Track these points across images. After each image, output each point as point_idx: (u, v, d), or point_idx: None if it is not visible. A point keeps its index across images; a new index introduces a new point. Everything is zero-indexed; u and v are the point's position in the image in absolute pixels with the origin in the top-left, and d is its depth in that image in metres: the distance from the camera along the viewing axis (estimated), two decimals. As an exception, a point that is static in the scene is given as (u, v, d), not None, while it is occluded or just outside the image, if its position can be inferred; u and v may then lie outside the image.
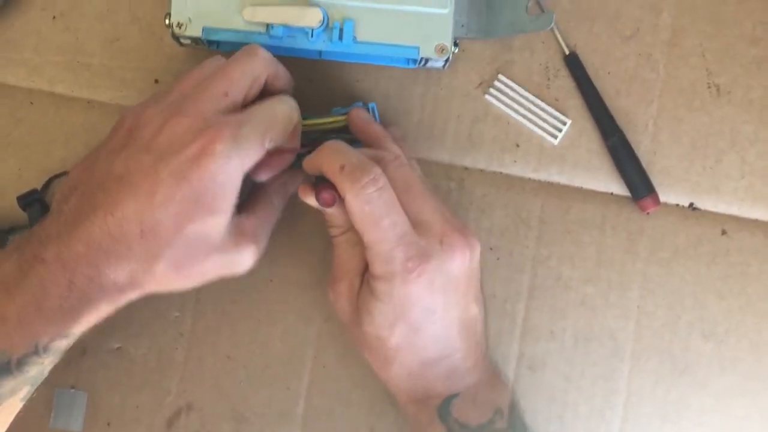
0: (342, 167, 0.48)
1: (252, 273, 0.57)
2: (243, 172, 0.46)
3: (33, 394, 0.48)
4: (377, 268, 0.49)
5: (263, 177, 0.51)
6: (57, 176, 0.58)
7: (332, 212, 0.50)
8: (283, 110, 0.49)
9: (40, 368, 0.46)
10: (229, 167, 0.45)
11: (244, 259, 0.48)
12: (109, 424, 0.57)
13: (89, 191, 0.46)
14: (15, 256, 0.46)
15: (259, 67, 0.49)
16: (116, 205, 0.44)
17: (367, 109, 0.54)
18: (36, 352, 0.45)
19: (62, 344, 0.46)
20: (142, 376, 0.58)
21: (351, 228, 0.50)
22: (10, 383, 0.45)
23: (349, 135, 0.54)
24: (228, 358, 0.58)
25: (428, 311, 0.50)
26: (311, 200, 0.50)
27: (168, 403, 0.58)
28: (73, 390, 0.57)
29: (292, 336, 0.58)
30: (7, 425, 0.48)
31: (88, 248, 0.44)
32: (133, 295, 0.47)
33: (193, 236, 0.45)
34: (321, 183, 0.49)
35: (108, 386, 0.57)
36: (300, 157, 0.51)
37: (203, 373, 0.58)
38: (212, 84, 0.47)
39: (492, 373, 0.54)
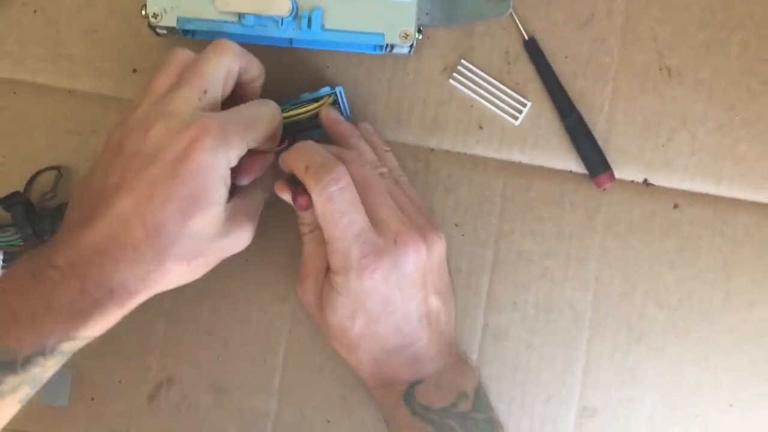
0: (307, 167, 0.51)
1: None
2: (230, 165, 0.48)
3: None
4: (336, 263, 0.52)
5: (245, 180, 0.53)
6: (40, 172, 0.60)
7: (303, 212, 0.54)
8: (266, 112, 0.51)
9: (42, 370, 0.47)
10: (217, 161, 0.47)
11: (244, 238, 0.52)
12: (93, 399, 0.60)
13: (92, 203, 0.48)
14: (28, 263, 0.47)
15: (230, 60, 0.50)
16: (118, 211, 0.46)
17: (335, 94, 0.57)
18: (42, 352, 0.46)
19: (68, 347, 0.47)
20: (124, 353, 0.60)
21: (318, 227, 0.53)
22: (12, 381, 0.46)
23: (313, 122, 0.57)
24: (207, 334, 0.61)
25: (386, 302, 0.53)
26: (287, 197, 0.53)
27: (150, 377, 0.60)
28: (58, 366, 0.59)
29: (267, 312, 0.61)
30: (3, 421, 0.49)
31: (97, 254, 0.46)
32: (143, 297, 0.48)
33: (195, 229, 0.47)
34: (296, 185, 0.52)
35: (91, 363, 0.60)
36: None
37: (183, 349, 0.60)
38: (190, 83, 0.49)
39: (457, 359, 0.58)
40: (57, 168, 0.60)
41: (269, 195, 0.55)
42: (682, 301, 0.62)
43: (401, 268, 0.52)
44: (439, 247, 0.54)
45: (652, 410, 0.61)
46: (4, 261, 0.57)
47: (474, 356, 0.61)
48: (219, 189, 0.48)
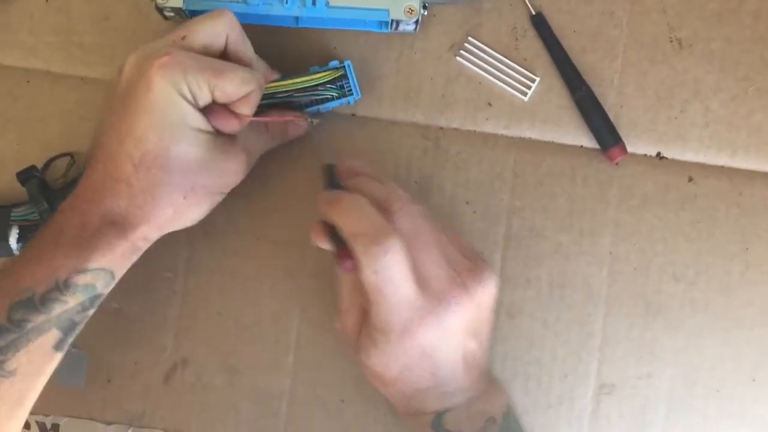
0: (355, 235, 0.49)
1: (239, 232, 0.61)
2: (191, 96, 0.49)
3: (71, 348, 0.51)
4: (376, 322, 0.50)
5: (222, 128, 0.53)
6: (57, 157, 0.61)
7: None
8: (240, 71, 0.51)
9: (63, 307, 0.49)
10: (175, 85, 0.48)
11: (233, 169, 0.52)
12: (109, 381, 0.60)
13: (92, 149, 0.52)
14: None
15: (221, 25, 0.52)
16: (109, 150, 0.50)
17: (343, 68, 0.57)
18: (57, 287, 0.49)
19: (82, 280, 0.49)
20: (139, 334, 0.61)
21: None
22: (36, 319, 0.48)
23: (320, 94, 0.57)
24: (219, 314, 0.61)
25: (424, 355, 0.51)
26: (322, 245, 0.52)
27: (164, 358, 0.61)
28: (74, 349, 0.60)
29: (279, 292, 0.61)
30: (45, 376, 0.51)
31: (95, 192, 0.50)
32: (149, 233, 0.51)
33: (177, 155, 0.49)
34: (340, 243, 0.50)
35: (107, 345, 0.60)
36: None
37: (197, 329, 0.61)
38: (173, 31, 0.51)
39: (488, 384, 0.55)
40: (70, 154, 0.61)
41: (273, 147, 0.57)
42: (700, 274, 0.61)
43: (444, 324, 0.50)
44: (488, 293, 0.52)
45: (671, 386, 0.60)
46: (19, 236, 0.58)
47: (488, 333, 0.60)
48: (187, 113, 0.49)
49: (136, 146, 0.49)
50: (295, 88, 0.57)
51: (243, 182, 0.59)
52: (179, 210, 0.51)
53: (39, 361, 0.50)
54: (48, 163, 0.61)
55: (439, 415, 0.53)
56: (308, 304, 0.61)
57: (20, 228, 0.59)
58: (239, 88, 0.51)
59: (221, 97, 0.51)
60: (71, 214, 0.50)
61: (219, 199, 0.54)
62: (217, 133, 0.52)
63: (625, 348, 0.60)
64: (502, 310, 0.61)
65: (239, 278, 0.61)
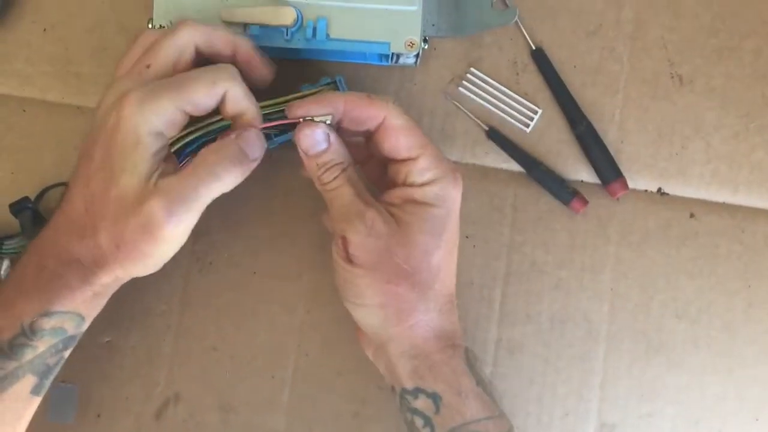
0: (370, 95, 0.51)
1: (236, 266, 0.60)
2: (153, 131, 0.47)
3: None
4: (427, 174, 0.50)
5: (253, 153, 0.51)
6: (51, 187, 0.60)
7: (335, 149, 0.50)
8: (204, 74, 0.48)
9: (35, 352, 0.48)
10: (137, 126, 0.46)
11: (156, 219, 0.46)
12: (99, 416, 0.59)
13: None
14: None
15: (184, 37, 0.50)
16: (72, 193, 0.49)
17: (334, 82, 0.56)
18: (23, 333, 0.47)
19: (48, 324, 0.48)
20: (131, 369, 0.59)
21: (351, 164, 0.51)
22: (7, 365, 0.47)
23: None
24: (214, 350, 0.60)
25: (456, 232, 0.51)
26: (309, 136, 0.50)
27: (156, 394, 0.59)
28: (63, 383, 0.58)
29: (275, 326, 0.60)
30: (25, 420, 0.50)
31: (55, 232, 0.49)
32: (104, 276, 0.48)
33: (117, 202, 0.47)
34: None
35: (98, 379, 0.59)
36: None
37: (190, 365, 0.59)
38: (138, 60, 0.50)
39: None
40: (65, 184, 0.60)
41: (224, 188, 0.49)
42: (702, 311, 0.60)
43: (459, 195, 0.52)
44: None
45: (673, 425, 0.59)
46: (11, 269, 0.57)
47: (488, 370, 0.59)
48: (135, 156, 0.46)
49: (88, 186, 0.48)
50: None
51: (241, 216, 0.59)
52: (130, 256, 0.48)
53: (17, 407, 0.49)
54: (42, 194, 0.60)
55: (467, 350, 0.52)
56: (305, 339, 0.60)
57: (11, 261, 0.58)
58: (210, 91, 0.48)
59: (189, 108, 0.48)
60: (31, 253, 0.49)
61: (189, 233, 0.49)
62: (158, 177, 0.48)
63: (627, 386, 0.59)
64: (501, 346, 0.60)
65: (235, 313, 0.60)
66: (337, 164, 0.50)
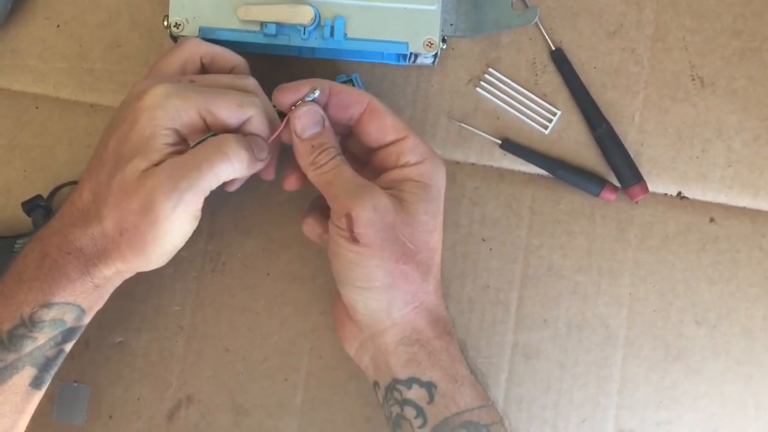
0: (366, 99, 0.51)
1: (249, 267, 0.59)
2: (171, 125, 0.47)
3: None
4: (416, 154, 0.50)
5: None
6: (63, 185, 0.60)
7: (329, 132, 0.50)
8: (234, 96, 0.49)
9: (34, 344, 0.47)
10: (156, 118, 0.47)
11: (155, 196, 0.45)
12: (110, 417, 0.58)
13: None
14: None
15: (187, 50, 0.52)
16: (82, 182, 0.50)
17: (351, 81, 0.56)
18: (23, 323, 0.47)
19: (48, 315, 0.47)
20: (143, 369, 0.59)
21: (341, 152, 0.50)
22: (6, 357, 0.47)
23: None
24: (227, 351, 0.59)
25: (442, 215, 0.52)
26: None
27: (168, 395, 0.59)
28: (75, 384, 0.58)
29: (289, 328, 0.59)
30: (26, 414, 0.49)
31: (60, 222, 0.49)
32: (104, 268, 0.48)
33: (120, 185, 0.47)
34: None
35: (110, 379, 0.58)
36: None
37: (203, 366, 0.59)
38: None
39: None
40: (77, 182, 0.59)
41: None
42: (721, 317, 0.59)
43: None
44: None
45: (691, 433, 0.58)
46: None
47: (503, 376, 0.59)
48: (147, 143, 0.47)
49: (97, 175, 0.48)
50: None
51: (255, 217, 0.58)
52: (132, 246, 0.47)
53: (16, 400, 0.48)
54: (55, 191, 0.60)
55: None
56: (318, 342, 0.59)
57: (24, 258, 0.57)
58: (234, 112, 0.48)
59: (214, 123, 0.48)
60: (34, 242, 0.49)
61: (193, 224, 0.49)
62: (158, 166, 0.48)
63: (644, 393, 0.58)
64: (518, 351, 0.59)
65: (248, 314, 0.59)
66: (332, 146, 0.50)
